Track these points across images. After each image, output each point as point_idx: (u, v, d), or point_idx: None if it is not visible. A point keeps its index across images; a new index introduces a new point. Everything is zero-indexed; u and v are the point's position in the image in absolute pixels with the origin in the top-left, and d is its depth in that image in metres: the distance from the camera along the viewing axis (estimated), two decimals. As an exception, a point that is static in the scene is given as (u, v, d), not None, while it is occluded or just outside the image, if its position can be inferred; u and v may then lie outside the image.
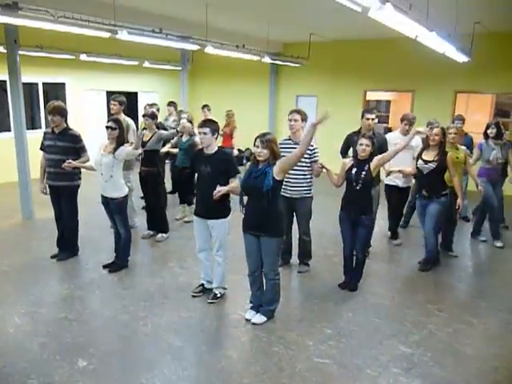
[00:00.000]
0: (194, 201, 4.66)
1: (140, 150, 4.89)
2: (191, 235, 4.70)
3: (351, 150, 5.23)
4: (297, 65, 10.58)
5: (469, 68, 8.35)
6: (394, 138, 5.50)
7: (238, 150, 11.80)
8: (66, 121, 4.96)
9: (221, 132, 6.47)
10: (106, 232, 5.86)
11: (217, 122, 4.17)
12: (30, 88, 9.51)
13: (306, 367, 3.31)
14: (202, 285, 4.45)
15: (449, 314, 4.16)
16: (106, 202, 4.81)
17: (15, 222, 6.73)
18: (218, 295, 4.30)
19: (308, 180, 4.73)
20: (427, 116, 6.89)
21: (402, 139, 5.01)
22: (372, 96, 12.10)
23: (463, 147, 5.59)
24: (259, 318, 3.90)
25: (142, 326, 3.84)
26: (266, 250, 3.74)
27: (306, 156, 4.36)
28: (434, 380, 3.22)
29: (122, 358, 3.40)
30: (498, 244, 6.01)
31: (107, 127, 4.66)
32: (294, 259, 5.17)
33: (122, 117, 5.94)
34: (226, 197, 4.02)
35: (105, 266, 4.99)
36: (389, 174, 5.11)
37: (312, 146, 4.54)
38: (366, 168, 4.30)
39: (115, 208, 4.79)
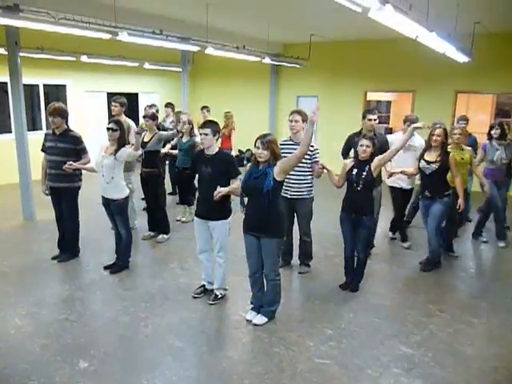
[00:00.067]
0: (195, 202, 4.66)
1: (140, 151, 4.89)
2: (192, 236, 4.70)
3: (352, 150, 5.22)
4: (297, 65, 10.58)
5: (469, 68, 8.35)
6: (397, 140, 5.48)
7: (239, 150, 11.83)
8: (66, 122, 4.96)
9: (220, 133, 6.46)
10: (107, 233, 5.87)
11: (218, 123, 4.18)
12: (31, 89, 9.53)
13: (307, 368, 3.31)
14: (203, 286, 4.45)
15: (450, 315, 4.16)
16: (107, 203, 4.82)
17: (16, 223, 6.74)
18: (219, 296, 4.30)
19: (309, 181, 4.73)
20: (428, 116, 6.87)
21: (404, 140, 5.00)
22: (372, 96, 12.11)
23: (469, 148, 5.58)
24: (260, 319, 3.90)
25: (143, 326, 3.85)
26: (267, 250, 3.74)
27: (306, 157, 4.36)
28: (434, 380, 3.21)
29: (122, 359, 3.41)
30: (501, 244, 6.01)
31: (108, 128, 4.66)
32: (295, 260, 5.17)
33: (123, 118, 5.94)
34: (226, 198, 4.02)
35: (106, 267, 4.99)
36: (391, 175, 5.10)
37: (313, 146, 4.55)
38: (366, 169, 4.30)
39: (116, 209, 4.79)
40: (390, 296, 4.56)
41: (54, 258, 5.23)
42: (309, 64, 10.55)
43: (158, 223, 6.05)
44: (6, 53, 6.48)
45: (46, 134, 5.10)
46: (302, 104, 11.49)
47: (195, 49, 8.05)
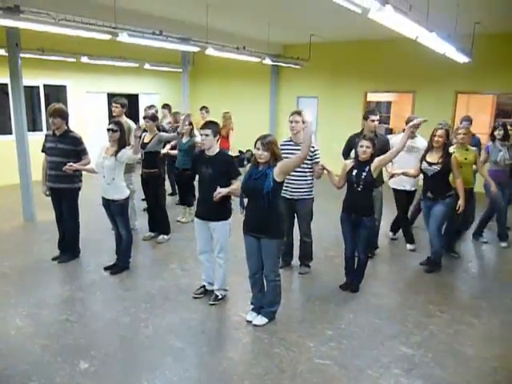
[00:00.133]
0: (195, 203, 4.66)
1: (139, 155, 4.88)
2: (192, 237, 4.71)
3: (353, 151, 5.22)
4: (297, 66, 10.59)
5: (469, 68, 8.35)
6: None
7: (239, 151, 11.83)
8: (66, 123, 4.97)
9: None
10: (107, 234, 5.87)
11: (218, 124, 4.18)
12: (32, 91, 9.54)
13: (308, 368, 3.32)
14: (204, 286, 4.45)
15: (450, 315, 4.16)
16: (107, 204, 4.82)
17: (16, 224, 6.74)
18: (219, 297, 4.30)
19: (309, 181, 4.73)
20: (428, 117, 6.81)
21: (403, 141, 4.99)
22: (372, 97, 12.10)
23: (473, 148, 5.57)
24: (260, 320, 3.90)
25: (143, 327, 3.85)
26: (267, 251, 3.74)
27: (307, 157, 4.35)
28: (434, 381, 3.21)
29: (123, 360, 3.41)
30: (504, 244, 6.02)
31: (108, 129, 4.67)
32: (295, 261, 5.16)
33: (124, 119, 5.95)
34: (227, 199, 4.02)
35: (106, 268, 4.99)
36: (392, 176, 5.10)
37: (313, 147, 4.54)
38: (366, 169, 4.29)
39: (117, 210, 4.79)
40: (390, 296, 4.56)
41: (54, 259, 5.23)
42: (309, 65, 10.56)
43: (159, 224, 6.05)
44: (7, 54, 6.49)
45: (46, 135, 5.11)
46: (302, 105, 11.51)
47: (195, 49, 8.06)
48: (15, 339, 3.64)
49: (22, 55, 6.58)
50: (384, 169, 4.87)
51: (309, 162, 4.58)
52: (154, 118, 5.97)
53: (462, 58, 7.30)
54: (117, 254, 5.06)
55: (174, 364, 3.35)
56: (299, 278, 4.96)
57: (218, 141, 4.14)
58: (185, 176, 6.35)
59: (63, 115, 4.90)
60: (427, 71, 9.62)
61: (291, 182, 4.59)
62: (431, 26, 5.01)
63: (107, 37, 6.16)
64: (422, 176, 5.09)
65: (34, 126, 9.63)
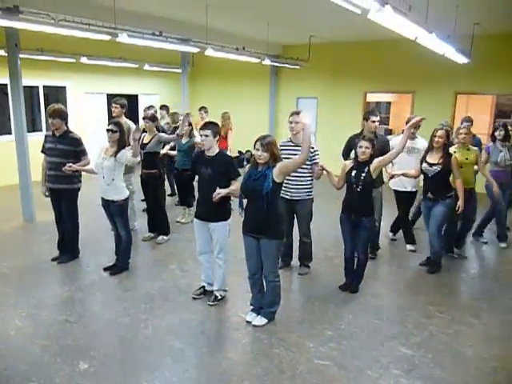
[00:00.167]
0: (195, 203, 4.65)
1: (139, 158, 4.87)
2: (192, 237, 4.70)
3: (353, 152, 5.22)
4: (297, 67, 10.59)
5: (469, 69, 8.36)
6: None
7: (239, 151, 11.84)
8: (66, 124, 4.97)
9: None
10: (107, 234, 5.87)
11: (218, 125, 4.19)
12: (31, 91, 9.53)
13: (307, 369, 3.31)
14: (203, 287, 4.45)
15: (450, 316, 4.16)
16: (107, 204, 4.82)
17: (16, 224, 6.74)
18: (219, 297, 4.30)
19: (308, 182, 4.73)
20: (428, 117, 6.85)
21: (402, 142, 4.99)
22: (372, 98, 12.11)
23: (475, 148, 5.57)
24: (260, 320, 3.90)
25: (143, 328, 3.85)
26: (266, 252, 3.74)
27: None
28: (434, 381, 3.21)
29: (122, 361, 3.41)
30: (503, 245, 6.03)
31: (108, 130, 4.66)
32: (295, 261, 5.16)
33: (124, 120, 5.94)
34: (226, 199, 4.02)
35: (105, 269, 4.99)
36: (392, 177, 5.09)
37: (313, 148, 4.54)
38: (365, 170, 4.29)
39: (116, 210, 4.79)
40: (390, 297, 4.56)
41: (53, 260, 5.23)
42: (308, 65, 10.57)
43: (158, 224, 6.05)
44: (6, 54, 6.49)
45: (45, 136, 5.11)
46: (302, 105, 11.51)
47: (195, 50, 8.06)
48: (15, 340, 3.64)
49: (21, 56, 6.58)
50: (384, 169, 4.87)
51: (308, 162, 4.57)
52: (153, 118, 5.97)
53: (461, 59, 7.30)
54: (116, 255, 5.06)
55: (173, 364, 3.35)
56: (299, 279, 4.96)
57: (218, 141, 4.14)
58: (184, 176, 6.36)
59: (63, 116, 4.90)
60: (427, 72, 9.63)
61: (291, 182, 4.59)
62: (431, 26, 5.02)
63: (107, 37, 6.16)
64: (422, 177, 5.10)
65: (33, 127, 9.63)
